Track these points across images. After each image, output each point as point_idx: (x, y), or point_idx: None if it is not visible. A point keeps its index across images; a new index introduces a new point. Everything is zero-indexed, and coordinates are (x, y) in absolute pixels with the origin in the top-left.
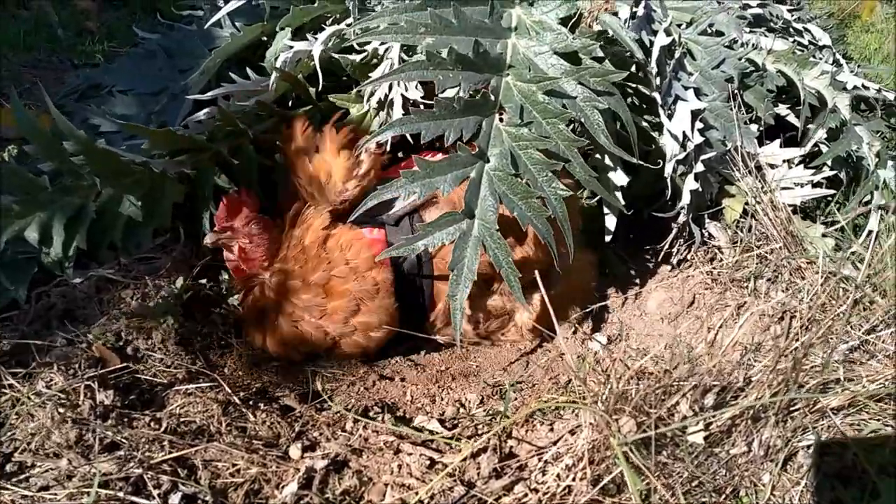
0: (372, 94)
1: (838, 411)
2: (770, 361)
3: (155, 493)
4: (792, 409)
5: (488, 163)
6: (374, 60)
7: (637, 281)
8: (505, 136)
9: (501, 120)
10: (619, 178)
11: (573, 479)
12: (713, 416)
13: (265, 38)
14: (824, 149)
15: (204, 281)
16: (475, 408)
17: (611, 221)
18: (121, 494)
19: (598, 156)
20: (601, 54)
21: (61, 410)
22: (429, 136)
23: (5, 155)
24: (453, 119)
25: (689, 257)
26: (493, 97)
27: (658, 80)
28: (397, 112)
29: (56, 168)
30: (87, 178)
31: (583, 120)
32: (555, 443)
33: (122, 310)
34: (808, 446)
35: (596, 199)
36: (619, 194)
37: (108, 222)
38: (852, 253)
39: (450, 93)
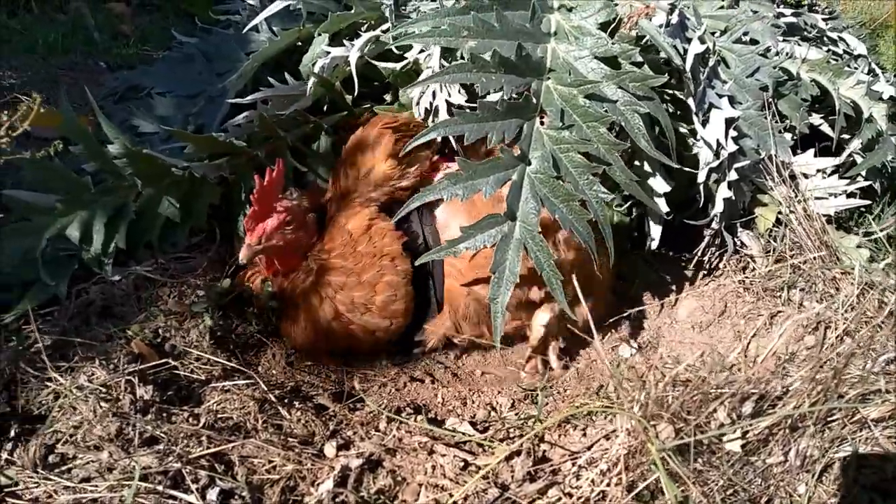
0: (417, 103)
1: (878, 423)
2: (808, 371)
3: (193, 487)
4: (830, 419)
5: (530, 165)
6: (415, 69)
7: (668, 288)
8: (546, 139)
9: (542, 123)
10: (660, 184)
11: (608, 485)
12: (750, 425)
13: (300, 43)
14: (858, 159)
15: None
16: (506, 411)
17: (655, 230)
18: (160, 488)
19: (636, 163)
20: (640, 59)
21: (103, 404)
22: (472, 138)
23: (51, 150)
24: (495, 122)
25: (720, 266)
26: (534, 100)
27: (692, 88)
28: (442, 117)
29: (98, 168)
30: (128, 179)
31: (623, 124)
32: (589, 448)
33: (160, 307)
34: (846, 457)
35: (626, 206)
36: (661, 201)
37: (147, 222)
38: (887, 264)
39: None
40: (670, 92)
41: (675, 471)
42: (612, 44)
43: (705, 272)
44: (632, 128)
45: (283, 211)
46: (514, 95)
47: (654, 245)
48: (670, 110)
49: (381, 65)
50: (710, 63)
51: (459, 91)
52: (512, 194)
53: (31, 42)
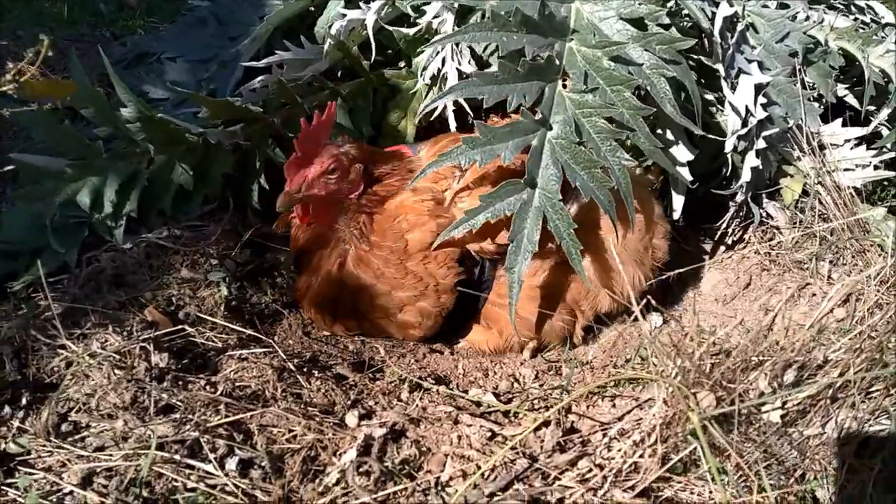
0: (425, 68)
1: None
2: (854, 339)
3: (211, 456)
4: (871, 389)
5: (551, 130)
6: (427, 35)
7: (692, 260)
8: (568, 103)
9: (565, 86)
10: (682, 153)
11: (641, 456)
12: (790, 395)
13: (314, 8)
14: (884, 130)
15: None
16: (530, 382)
17: (678, 200)
18: (177, 457)
19: (659, 131)
20: (668, 21)
21: (117, 372)
22: (491, 100)
23: (58, 105)
24: (516, 84)
25: (745, 237)
26: (557, 62)
27: (720, 52)
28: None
29: (111, 133)
30: (140, 144)
31: (648, 88)
32: (619, 418)
33: (173, 275)
34: (885, 430)
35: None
36: (685, 170)
37: (160, 189)
38: None
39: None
40: (695, 58)
41: (713, 441)
42: (639, 4)
43: (729, 244)
44: (658, 92)
45: (328, 158)
46: (536, 57)
47: (676, 216)
48: (695, 77)
49: (394, 29)
50: (739, 27)
51: (469, 61)
52: (532, 160)
53: (36, 13)
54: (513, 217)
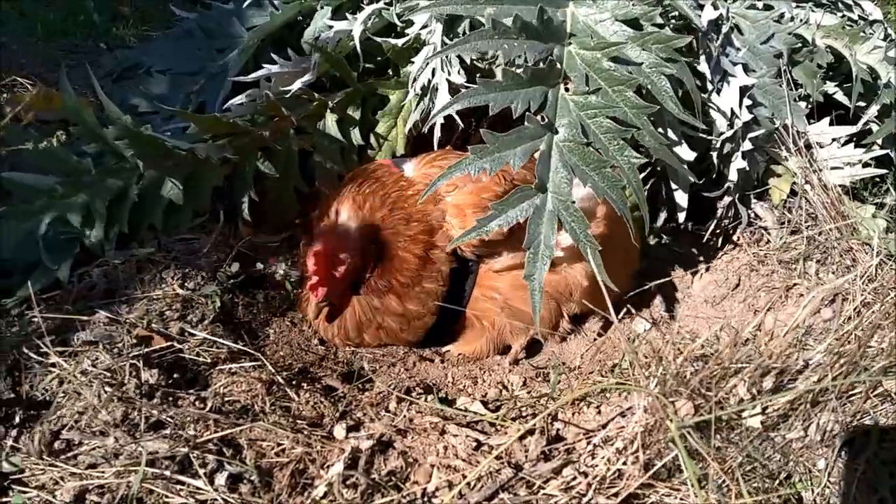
0: (415, 79)
1: None
2: (832, 343)
3: (201, 472)
4: (851, 393)
5: (557, 134)
6: (416, 45)
7: (680, 262)
8: (572, 106)
9: (567, 89)
10: (684, 152)
11: (624, 463)
12: (770, 400)
13: (301, 18)
14: (874, 127)
15: (260, 266)
16: (518, 390)
17: (682, 198)
18: (167, 473)
19: (660, 130)
20: (661, 21)
21: (108, 389)
22: (497, 107)
23: (54, 140)
24: (520, 90)
25: (734, 238)
26: (558, 65)
27: (712, 50)
28: (442, 97)
29: (99, 150)
30: (129, 160)
31: (649, 86)
32: (604, 426)
33: (165, 290)
34: (867, 432)
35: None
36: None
37: (150, 204)
38: None
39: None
40: (684, 60)
41: (693, 448)
42: (633, 5)
43: (718, 245)
44: (658, 90)
45: (342, 274)
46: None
47: (683, 217)
48: None
49: (382, 40)
50: (724, 30)
51: (459, 71)
52: (541, 165)
53: (30, 24)
54: (527, 223)
